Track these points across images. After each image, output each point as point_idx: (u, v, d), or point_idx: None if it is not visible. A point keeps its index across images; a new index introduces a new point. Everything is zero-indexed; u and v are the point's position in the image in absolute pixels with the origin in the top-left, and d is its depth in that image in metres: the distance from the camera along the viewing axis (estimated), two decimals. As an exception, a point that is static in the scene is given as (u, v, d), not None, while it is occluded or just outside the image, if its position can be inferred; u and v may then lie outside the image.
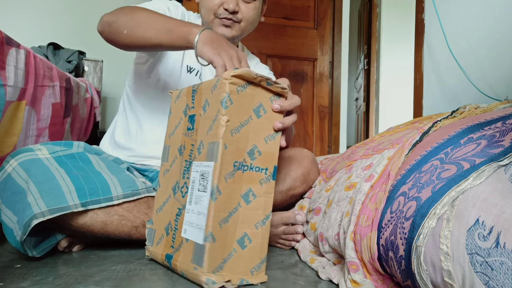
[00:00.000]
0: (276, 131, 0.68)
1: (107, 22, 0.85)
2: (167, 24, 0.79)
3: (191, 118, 0.72)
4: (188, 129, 0.72)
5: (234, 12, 0.96)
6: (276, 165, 0.68)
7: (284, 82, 0.69)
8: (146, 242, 0.77)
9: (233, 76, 0.63)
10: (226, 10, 0.96)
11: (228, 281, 0.61)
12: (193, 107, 0.72)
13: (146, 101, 1.02)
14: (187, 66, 1.03)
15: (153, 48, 0.87)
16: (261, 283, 0.65)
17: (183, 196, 0.69)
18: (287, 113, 0.70)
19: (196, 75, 1.04)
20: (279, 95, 0.69)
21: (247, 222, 0.64)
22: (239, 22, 0.99)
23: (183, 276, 0.66)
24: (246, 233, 0.64)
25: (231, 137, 0.63)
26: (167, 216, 0.72)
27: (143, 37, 0.80)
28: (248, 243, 0.64)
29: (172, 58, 1.01)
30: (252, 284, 0.64)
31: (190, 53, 1.01)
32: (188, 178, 0.68)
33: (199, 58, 0.76)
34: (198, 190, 0.64)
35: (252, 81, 0.64)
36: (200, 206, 0.63)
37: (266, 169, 0.67)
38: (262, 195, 0.66)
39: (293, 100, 0.70)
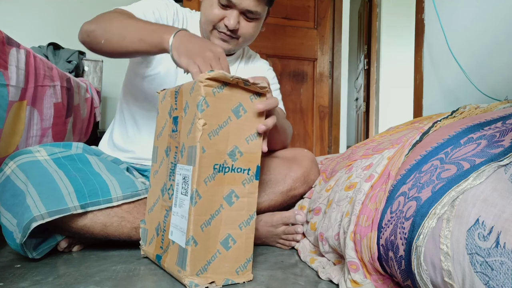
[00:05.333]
0: (259, 133, 0.67)
1: (86, 32, 0.84)
2: (139, 33, 0.78)
3: (175, 120, 0.71)
4: (173, 130, 0.71)
5: (234, 29, 0.94)
6: (259, 165, 0.68)
7: (263, 81, 0.67)
8: (140, 242, 0.78)
9: (208, 78, 0.62)
10: (226, 26, 0.93)
11: (212, 282, 0.62)
12: (176, 109, 0.71)
13: (143, 102, 1.02)
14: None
15: (134, 55, 0.86)
16: (247, 281, 0.65)
17: (169, 198, 0.69)
18: (266, 115, 0.69)
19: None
20: (260, 94, 0.67)
21: (230, 223, 0.64)
22: (237, 38, 0.97)
23: (171, 276, 0.67)
24: (229, 234, 0.64)
25: (209, 140, 0.62)
26: (157, 217, 0.73)
27: (120, 46, 0.80)
28: (232, 244, 0.64)
29: (167, 58, 1.01)
30: (238, 283, 0.65)
31: None
32: (173, 180, 0.68)
33: (177, 67, 0.75)
34: (181, 193, 0.64)
35: (229, 82, 0.64)
36: (182, 209, 0.63)
37: (249, 170, 0.66)
38: (245, 195, 0.66)
39: (269, 101, 0.68)
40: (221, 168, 0.63)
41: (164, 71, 0.99)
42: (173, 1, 1.05)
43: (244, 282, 0.65)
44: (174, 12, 1.01)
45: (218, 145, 0.63)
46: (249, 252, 0.66)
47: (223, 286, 0.63)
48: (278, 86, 1.17)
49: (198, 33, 1.04)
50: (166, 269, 0.67)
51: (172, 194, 0.68)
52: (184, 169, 0.64)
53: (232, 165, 0.65)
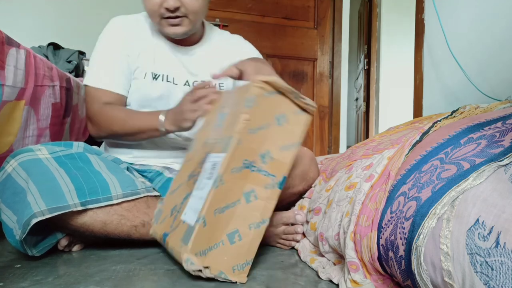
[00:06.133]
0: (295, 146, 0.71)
1: (97, 135, 1.02)
2: (134, 129, 0.94)
3: (222, 116, 0.76)
4: (217, 125, 0.75)
5: (176, 9, 0.93)
6: (286, 176, 0.70)
7: (312, 102, 0.73)
8: (153, 220, 0.79)
9: (263, 81, 0.67)
10: (167, 10, 0.93)
11: (207, 267, 0.62)
12: (224, 107, 0.77)
13: (133, 106, 1.05)
14: (152, 73, 1.04)
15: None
16: (240, 283, 0.64)
17: (194, 183, 0.71)
18: None
19: (163, 80, 1.05)
20: (304, 110, 0.72)
21: (242, 219, 0.65)
22: (186, 16, 0.95)
23: (171, 255, 0.67)
24: (238, 229, 0.65)
25: (247, 135, 0.65)
26: (176, 199, 0.74)
27: (131, 139, 0.99)
28: (237, 239, 0.65)
29: (142, 71, 1.04)
30: (231, 282, 0.64)
31: (157, 61, 1.03)
32: (201, 167, 0.71)
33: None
34: (205, 178, 0.66)
35: (280, 90, 0.68)
36: (202, 192, 0.64)
37: (274, 176, 0.68)
38: (264, 199, 0.67)
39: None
40: (249, 165, 0.66)
41: (140, 82, 1.04)
42: (126, 16, 1.05)
43: (236, 282, 0.64)
44: (133, 24, 1.03)
45: (253, 143, 0.66)
46: (250, 255, 0.66)
47: (215, 277, 0.63)
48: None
49: (149, 30, 1.05)
50: (169, 246, 0.67)
51: (197, 180, 0.69)
52: (216, 157, 0.66)
53: (261, 166, 0.67)
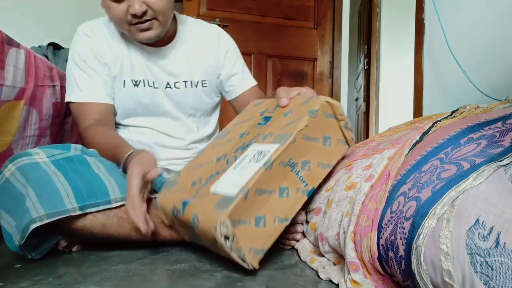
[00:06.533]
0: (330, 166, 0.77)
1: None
2: (108, 159, 0.89)
3: (267, 118, 0.83)
4: (259, 123, 0.83)
5: (144, 13, 0.89)
6: (315, 188, 0.75)
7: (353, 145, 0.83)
8: (162, 189, 0.80)
9: (327, 101, 0.75)
10: (134, 17, 0.89)
11: (233, 237, 0.62)
12: (272, 112, 0.84)
13: (121, 117, 1.06)
14: (132, 80, 1.04)
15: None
16: (253, 268, 0.65)
17: (227, 164, 0.74)
18: None
19: (145, 85, 1.04)
20: (346, 141, 0.80)
21: (271, 209, 0.68)
22: (155, 18, 0.92)
23: (193, 222, 0.67)
24: (265, 216, 0.67)
25: (301, 138, 0.71)
26: (201, 173, 0.77)
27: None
28: (262, 225, 0.67)
29: (120, 80, 1.03)
30: (241, 275, 0.65)
31: (134, 67, 1.03)
32: (240, 153, 0.75)
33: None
34: (249, 161, 0.70)
35: (336, 116, 0.76)
36: (246, 170, 0.68)
37: (307, 184, 0.73)
38: (293, 199, 0.71)
39: None
40: (292, 165, 0.71)
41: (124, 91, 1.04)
42: (92, 23, 1.03)
43: (249, 265, 0.65)
44: (96, 43, 1.01)
45: (302, 148, 0.71)
46: (266, 245, 0.68)
47: (234, 251, 0.63)
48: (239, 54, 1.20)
49: (119, 34, 1.03)
50: (192, 212, 0.68)
51: (232, 162, 0.74)
52: (264, 146, 0.72)
53: (299, 171, 0.72)
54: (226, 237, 0.62)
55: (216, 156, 0.80)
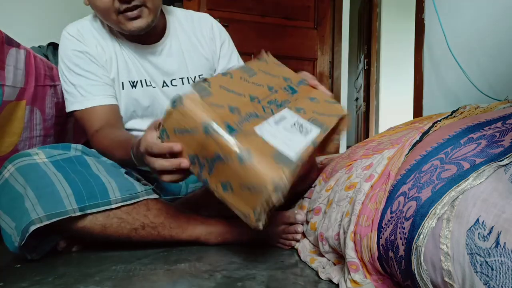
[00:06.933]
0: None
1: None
2: (120, 158, 0.86)
3: (292, 89, 0.85)
4: (285, 89, 0.84)
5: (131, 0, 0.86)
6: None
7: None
8: (193, 90, 0.65)
9: (346, 114, 0.88)
10: (121, 1, 0.86)
11: (282, 178, 0.59)
12: (296, 86, 0.87)
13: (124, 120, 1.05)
14: (130, 81, 1.02)
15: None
16: (261, 227, 0.61)
17: (264, 111, 0.71)
18: None
19: (142, 86, 1.02)
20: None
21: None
22: (144, 4, 0.88)
23: (239, 154, 0.59)
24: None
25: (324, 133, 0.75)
26: (236, 102, 0.68)
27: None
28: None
29: (118, 82, 1.01)
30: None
31: (130, 67, 1.01)
32: (275, 108, 0.74)
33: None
34: (291, 127, 0.71)
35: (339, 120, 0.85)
36: (292, 136, 0.68)
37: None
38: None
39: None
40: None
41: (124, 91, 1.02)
42: (76, 24, 0.99)
43: (261, 224, 0.61)
44: (88, 44, 0.97)
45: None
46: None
47: (266, 205, 0.59)
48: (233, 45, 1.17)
49: (108, 34, 0.99)
50: (233, 144, 0.60)
51: (269, 113, 0.71)
52: (304, 121, 0.74)
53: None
54: (278, 193, 0.57)
55: (248, 92, 0.73)
